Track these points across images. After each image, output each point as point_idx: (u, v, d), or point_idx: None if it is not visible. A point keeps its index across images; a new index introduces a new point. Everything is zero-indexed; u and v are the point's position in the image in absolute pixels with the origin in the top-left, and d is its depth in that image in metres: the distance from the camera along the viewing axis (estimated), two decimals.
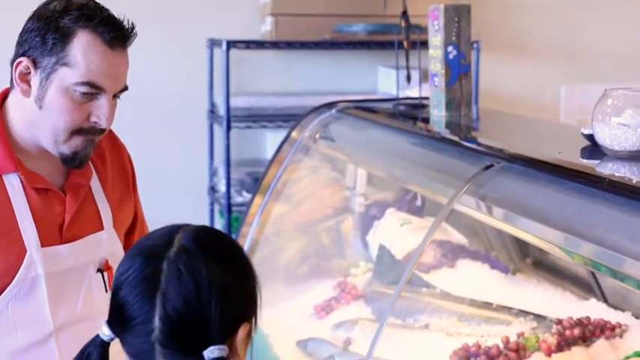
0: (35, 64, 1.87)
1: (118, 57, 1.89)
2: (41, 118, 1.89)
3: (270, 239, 3.31)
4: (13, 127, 1.93)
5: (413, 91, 3.55)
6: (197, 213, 4.40)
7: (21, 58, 1.88)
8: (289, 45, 4.13)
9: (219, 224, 4.37)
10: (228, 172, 4.06)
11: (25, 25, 1.90)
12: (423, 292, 2.80)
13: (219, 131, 4.22)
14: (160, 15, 4.30)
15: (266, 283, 3.27)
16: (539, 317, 2.53)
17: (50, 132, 1.89)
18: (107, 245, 2.04)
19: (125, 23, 1.91)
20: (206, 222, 4.38)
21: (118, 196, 2.11)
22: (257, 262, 3.26)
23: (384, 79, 4.36)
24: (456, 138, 2.47)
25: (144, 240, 1.45)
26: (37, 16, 1.88)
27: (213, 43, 4.21)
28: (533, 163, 1.93)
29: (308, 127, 3.26)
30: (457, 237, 3.04)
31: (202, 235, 1.41)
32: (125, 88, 1.94)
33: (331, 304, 3.04)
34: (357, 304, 3.00)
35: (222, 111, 4.09)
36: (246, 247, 3.24)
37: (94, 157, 2.05)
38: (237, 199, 4.12)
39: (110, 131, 2.16)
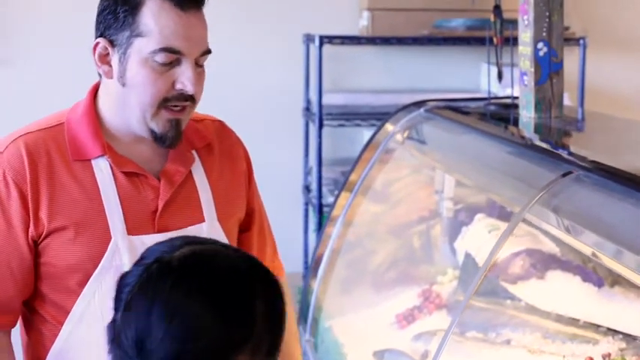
0: (112, 42, 1.82)
1: (192, 18, 1.81)
2: (126, 95, 1.84)
3: (354, 241, 3.19)
4: (105, 114, 1.90)
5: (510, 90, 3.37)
6: (292, 212, 4.32)
7: (97, 39, 1.84)
8: (385, 40, 3.99)
9: (312, 224, 4.27)
10: (319, 171, 3.95)
11: (98, 7, 1.86)
12: (507, 305, 2.64)
13: (314, 129, 4.12)
14: (257, 10, 4.23)
15: (351, 288, 3.19)
16: (629, 337, 2.34)
17: (138, 108, 1.83)
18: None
19: None
20: (300, 221, 4.30)
21: (225, 188, 2.01)
22: (341, 265, 3.16)
23: (486, 76, 4.17)
24: (537, 142, 2.30)
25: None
26: None
27: (309, 39, 4.11)
28: (609, 172, 1.75)
29: (396, 126, 3.12)
30: (549, 246, 2.86)
31: (198, 260, 1.31)
32: (207, 52, 1.85)
33: (414, 314, 2.91)
34: (440, 314, 2.86)
35: (315, 108, 3.99)
36: (329, 249, 3.13)
37: (199, 146, 1.99)
38: (329, 198, 4.00)
39: (223, 124, 2.13)
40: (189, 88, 1.81)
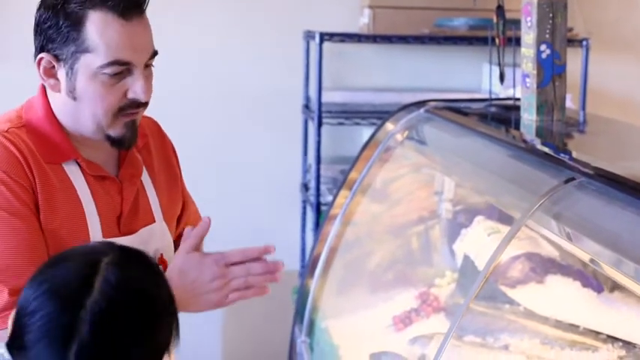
0: (57, 57, 1.79)
1: (137, 26, 1.79)
2: (79, 109, 1.82)
3: (352, 241, 3.16)
4: (61, 120, 1.86)
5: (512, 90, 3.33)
6: (290, 210, 4.28)
7: (41, 54, 1.81)
8: (387, 39, 3.94)
9: (310, 222, 4.23)
10: (317, 170, 3.90)
11: (36, 16, 1.82)
12: (505, 309, 2.60)
13: (313, 127, 4.07)
14: (257, 6, 4.18)
15: (348, 288, 3.15)
16: (629, 345, 2.30)
17: (91, 120, 1.82)
18: (160, 238, 1.97)
19: None
20: (298, 219, 4.26)
21: (165, 187, 2.04)
22: (339, 265, 3.12)
23: (488, 77, 4.12)
24: (538, 146, 2.26)
25: (55, 270, 1.31)
26: (44, 5, 1.80)
27: (309, 36, 4.06)
28: (612, 179, 1.71)
29: (396, 125, 3.08)
30: (549, 250, 2.82)
31: (125, 279, 1.29)
32: (155, 54, 1.83)
33: (411, 316, 2.87)
34: (437, 317, 2.82)
35: (315, 106, 3.94)
36: (326, 248, 3.09)
37: (140, 146, 1.99)
38: (327, 197, 3.96)
39: (154, 121, 2.12)
40: (141, 97, 1.81)
